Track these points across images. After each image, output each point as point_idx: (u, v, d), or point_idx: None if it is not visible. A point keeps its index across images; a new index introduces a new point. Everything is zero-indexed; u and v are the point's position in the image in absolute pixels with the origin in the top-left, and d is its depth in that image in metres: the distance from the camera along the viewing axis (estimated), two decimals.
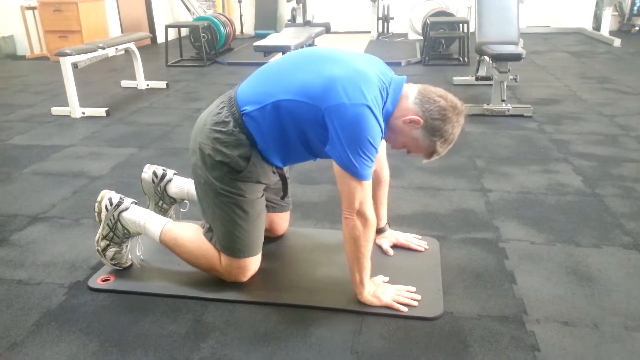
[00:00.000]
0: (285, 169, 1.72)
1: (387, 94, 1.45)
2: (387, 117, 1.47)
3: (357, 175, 1.41)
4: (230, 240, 1.61)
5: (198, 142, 1.57)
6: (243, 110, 1.50)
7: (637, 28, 7.26)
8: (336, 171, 1.45)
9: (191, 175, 1.66)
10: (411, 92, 1.48)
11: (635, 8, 7.25)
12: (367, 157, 1.40)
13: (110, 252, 1.73)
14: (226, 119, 1.52)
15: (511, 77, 3.56)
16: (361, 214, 1.46)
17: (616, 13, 7.35)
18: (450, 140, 1.49)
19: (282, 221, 1.95)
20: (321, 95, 1.39)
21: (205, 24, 5.97)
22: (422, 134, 1.47)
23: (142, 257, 1.82)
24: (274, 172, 1.64)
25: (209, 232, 1.65)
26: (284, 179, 1.72)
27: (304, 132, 1.48)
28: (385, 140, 1.56)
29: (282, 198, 1.82)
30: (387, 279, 1.68)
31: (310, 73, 1.44)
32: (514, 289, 1.65)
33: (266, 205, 1.72)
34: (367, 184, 1.44)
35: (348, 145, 1.38)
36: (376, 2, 7.05)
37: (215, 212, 1.59)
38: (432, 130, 1.45)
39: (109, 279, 1.72)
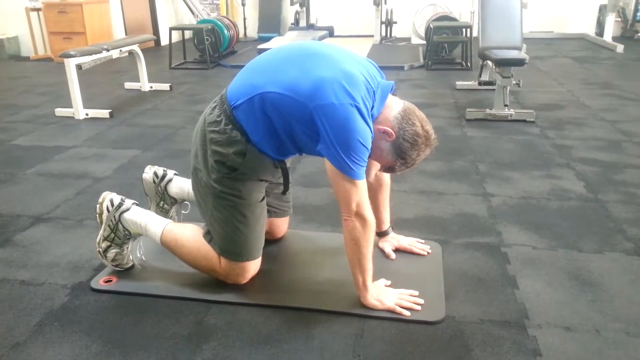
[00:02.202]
0: (288, 163, 1.71)
1: (374, 99, 1.46)
2: (374, 118, 1.48)
3: (350, 175, 1.41)
4: (228, 244, 1.61)
5: (197, 145, 1.59)
6: (233, 105, 1.51)
7: None
8: (330, 174, 1.46)
9: (191, 178, 1.66)
10: (396, 106, 1.50)
11: (639, 14, 7.26)
12: (359, 157, 1.41)
13: (112, 253, 1.73)
14: (218, 118, 1.53)
15: (514, 82, 3.57)
16: (359, 215, 1.46)
17: (619, 19, 7.36)
18: (410, 165, 1.53)
19: (282, 224, 1.96)
20: (309, 94, 1.39)
21: (209, 27, 6.00)
22: (388, 148, 1.49)
23: (143, 257, 1.83)
24: (275, 167, 1.63)
25: (208, 234, 1.66)
26: (285, 173, 1.72)
27: (290, 126, 1.48)
28: None
29: (283, 193, 1.82)
30: (389, 282, 1.68)
31: (299, 71, 1.44)
32: (516, 294, 1.65)
33: (267, 210, 1.73)
34: (362, 184, 1.45)
35: (339, 146, 1.39)
36: (379, 6, 7.07)
37: (214, 215, 1.60)
38: (399, 149, 1.48)
39: (111, 280, 1.73)
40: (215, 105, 1.56)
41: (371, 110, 1.45)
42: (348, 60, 1.47)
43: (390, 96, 1.51)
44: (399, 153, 1.49)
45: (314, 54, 1.48)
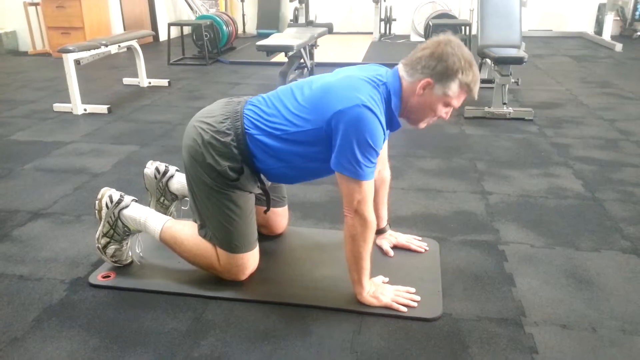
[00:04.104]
0: (268, 184, 1.75)
1: (388, 90, 1.46)
2: (398, 108, 1.48)
3: (355, 175, 1.42)
4: (226, 236, 1.61)
5: (192, 139, 1.58)
6: (247, 131, 1.53)
7: (639, 33, 7.27)
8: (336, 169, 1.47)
9: (184, 170, 1.66)
10: (402, 71, 1.49)
11: (637, 13, 7.26)
12: (365, 158, 1.41)
13: (111, 249, 1.73)
14: (227, 131, 1.54)
15: (513, 80, 3.57)
16: (359, 214, 1.47)
17: (618, 18, 7.36)
18: (468, 64, 1.41)
19: (280, 218, 1.95)
20: (320, 110, 1.44)
21: (208, 23, 5.98)
22: (441, 87, 1.42)
23: (141, 254, 1.83)
24: (258, 187, 1.68)
25: (202, 229, 1.65)
26: (267, 194, 1.74)
27: (314, 154, 1.51)
28: (417, 125, 1.54)
29: (265, 212, 1.82)
30: (387, 279, 1.68)
31: (308, 89, 1.51)
32: (513, 292, 1.66)
33: (259, 199, 1.75)
34: (367, 184, 1.45)
35: (347, 145, 1.40)
36: (379, 4, 7.05)
37: (209, 208, 1.60)
38: (443, 75, 1.41)
39: (109, 276, 1.73)
40: (227, 118, 1.57)
41: (390, 102, 1.45)
42: (351, 69, 1.53)
43: (397, 72, 1.50)
44: (448, 75, 1.40)
45: (322, 76, 1.56)
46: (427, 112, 1.49)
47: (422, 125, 1.55)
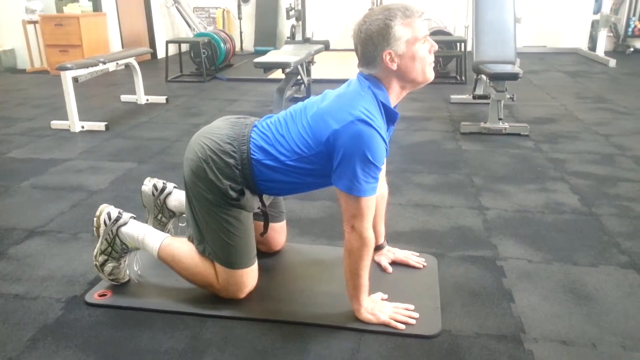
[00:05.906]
0: (267, 201, 1.75)
1: (372, 91, 1.47)
2: (388, 97, 1.48)
3: (354, 191, 1.42)
4: (225, 252, 1.61)
5: (195, 154, 1.59)
6: (253, 155, 1.55)
7: (632, 49, 7.36)
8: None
9: (184, 184, 1.66)
10: (366, 71, 1.50)
11: (630, 29, 7.36)
12: (366, 174, 1.41)
13: (109, 267, 1.72)
14: (233, 153, 1.55)
15: (508, 96, 3.60)
16: (356, 230, 1.47)
17: (611, 34, 7.45)
18: (386, 11, 1.43)
19: (278, 235, 1.95)
20: (319, 134, 1.46)
21: (206, 40, 6.03)
22: (397, 43, 1.42)
23: (139, 272, 1.82)
24: (258, 208, 1.68)
25: (201, 244, 1.65)
26: (265, 216, 1.75)
27: (318, 171, 1.53)
28: (426, 78, 1.51)
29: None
30: (385, 296, 1.67)
31: (305, 116, 1.53)
32: (512, 308, 1.65)
33: (257, 215, 1.75)
34: (365, 201, 1.44)
35: (347, 163, 1.41)
36: None
37: (209, 223, 1.60)
38: (386, 37, 1.41)
39: (106, 294, 1.72)
40: (234, 139, 1.57)
41: (382, 101, 1.46)
42: (340, 90, 1.55)
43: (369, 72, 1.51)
44: (390, 33, 1.41)
45: (317, 99, 1.58)
46: (416, 65, 1.47)
47: (428, 75, 1.50)
